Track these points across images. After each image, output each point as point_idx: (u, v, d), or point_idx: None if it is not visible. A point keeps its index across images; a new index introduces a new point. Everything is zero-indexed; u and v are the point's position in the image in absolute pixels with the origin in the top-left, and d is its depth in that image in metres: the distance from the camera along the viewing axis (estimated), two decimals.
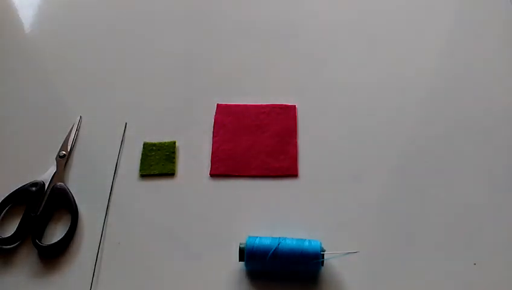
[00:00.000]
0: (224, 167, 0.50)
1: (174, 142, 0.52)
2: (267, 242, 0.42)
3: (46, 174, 0.49)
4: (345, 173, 0.50)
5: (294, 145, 0.52)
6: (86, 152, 0.52)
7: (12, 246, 0.45)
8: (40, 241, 0.45)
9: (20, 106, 0.56)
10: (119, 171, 0.50)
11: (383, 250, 0.45)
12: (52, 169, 0.50)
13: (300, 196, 0.49)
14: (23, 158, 0.52)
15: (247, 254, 0.42)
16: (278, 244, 0.41)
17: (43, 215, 0.47)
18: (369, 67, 0.58)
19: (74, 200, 0.47)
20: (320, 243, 0.42)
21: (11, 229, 0.46)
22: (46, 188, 0.48)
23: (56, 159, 0.51)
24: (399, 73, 0.58)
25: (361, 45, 0.61)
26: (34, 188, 0.48)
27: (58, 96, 0.57)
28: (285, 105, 0.54)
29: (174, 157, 0.51)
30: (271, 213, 0.48)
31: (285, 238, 0.42)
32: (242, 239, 0.43)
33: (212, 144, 0.52)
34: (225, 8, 0.65)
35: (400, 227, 0.46)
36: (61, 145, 0.52)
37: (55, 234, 0.46)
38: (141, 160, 0.51)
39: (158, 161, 0.50)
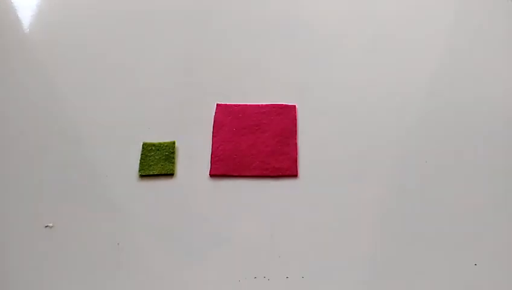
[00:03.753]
0: (224, 167, 0.50)
1: (174, 142, 0.52)
2: None
3: None
4: (345, 173, 0.50)
5: (294, 146, 0.51)
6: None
7: None
8: None
9: (20, 106, 0.56)
10: (118, 171, 0.50)
11: (382, 250, 0.45)
12: None
13: (301, 197, 0.49)
14: (24, 159, 0.52)
15: None
16: None
17: None
18: (370, 67, 0.58)
19: None
20: None
21: None
22: None
23: None
24: (399, 72, 0.58)
25: (361, 44, 0.60)
26: None
27: (58, 96, 0.57)
28: (285, 105, 0.54)
29: (173, 158, 0.51)
30: (271, 214, 0.48)
31: None
32: (242, 239, 0.43)
33: (212, 144, 0.52)
34: (225, 7, 0.65)
35: (400, 227, 0.46)
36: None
37: None
38: (140, 160, 0.51)
39: (157, 161, 0.50)
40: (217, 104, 0.55)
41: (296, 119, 0.53)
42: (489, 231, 0.46)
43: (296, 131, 0.53)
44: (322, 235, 0.46)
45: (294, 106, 0.54)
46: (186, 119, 0.54)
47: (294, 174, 0.50)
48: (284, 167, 0.50)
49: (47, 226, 0.47)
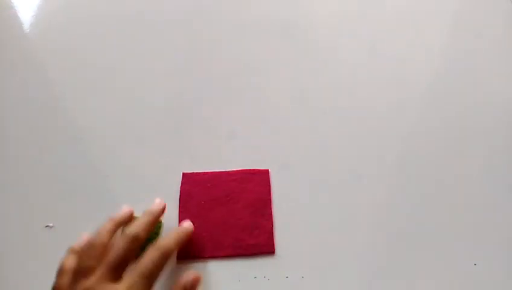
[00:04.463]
0: (192, 249, 0.44)
1: (161, 223, 0.45)
2: None
3: None
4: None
5: (270, 216, 0.46)
6: None
7: None
8: None
9: (20, 106, 0.56)
10: (118, 171, 0.50)
11: (382, 250, 0.45)
12: None
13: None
14: (24, 159, 0.52)
15: None
16: None
17: None
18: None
19: None
20: None
21: None
22: None
23: None
24: (398, 74, 0.57)
25: (359, 47, 0.60)
26: None
27: (58, 96, 0.57)
28: (257, 170, 0.49)
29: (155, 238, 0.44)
30: None
31: None
32: None
33: (179, 221, 0.46)
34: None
35: (400, 228, 0.46)
36: None
37: None
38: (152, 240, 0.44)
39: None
40: (183, 173, 0.48)
41: (269, 186, 0.48)
42: (489, 231, 0.46)
43: (270, 200, 0.47)
44: (322, 235, 0.46)
45: (267, 170, 0.49)
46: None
47: (271, 251, 0.45)
48: (259, 242, 0.45)
49: (47, 226, 0.47)
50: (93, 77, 0.58)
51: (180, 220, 0.46)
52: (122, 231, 0.41)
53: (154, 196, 0.45)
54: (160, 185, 0.48)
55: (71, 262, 0.39)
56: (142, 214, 0.42)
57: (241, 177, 0.48)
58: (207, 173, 0.49)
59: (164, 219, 0.45)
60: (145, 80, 0.58)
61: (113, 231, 0.41)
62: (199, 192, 0.47)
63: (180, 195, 0.47)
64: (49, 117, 0.55)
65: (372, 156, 0.51)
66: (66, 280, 0.38)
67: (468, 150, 0.51)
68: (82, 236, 0.41)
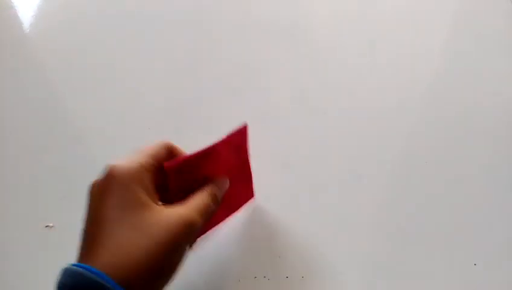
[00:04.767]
0: None
1: None
2: None
3: None
4: (345, 174, 0.50)
5: (248, 166, 0.43)
6: None
7: None
8: None
9: (19, 106, 0.56)
10: None
11: (382, 250, 0.45)
12: None
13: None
14: (21, 161, 0.52)
15: None
16: None
17: None
18: (365, 69, 0.58)
19: None
20: None
21: None
22: None
23: None
24: (398, 74, 0.57)
25: (359, 47, 0.60)
26: None
27: (58, 96, 0.57)
28: (237, 131, 0.40)
29: None
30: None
31: None
32: (241, 239, 0.43)
33: None
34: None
35: (400, 227, 0.46)
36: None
37: None
38: None
39: None
40: (165, 166, 0.37)
41: (246, 139, 0.41)
42: (489, 231, 0.46)
43: (247, 150, 0.42)
44: (322, 235, 0.46)
45: (246, 126, 0.40)
46: None
47: (250, 197, 0.46)
48: (242, 193, 0.45)
49: (47, 226, 0.47)
50: (93, 77, 0.58)
51: None
52: None
53: None
54: None
55: None
56: None
57: (227, 146, 0.40)
58: (190, 157, 0.38)
59: None
60: (145, 80, 0.58)
61: None
62: (187, 178, 0.39)
63: (169, 190, 0.38)
64: (49, 117, 0.55)
65: (372, 156, 0.51)
66: None
67: (468, 150, 0.51)
68: None
